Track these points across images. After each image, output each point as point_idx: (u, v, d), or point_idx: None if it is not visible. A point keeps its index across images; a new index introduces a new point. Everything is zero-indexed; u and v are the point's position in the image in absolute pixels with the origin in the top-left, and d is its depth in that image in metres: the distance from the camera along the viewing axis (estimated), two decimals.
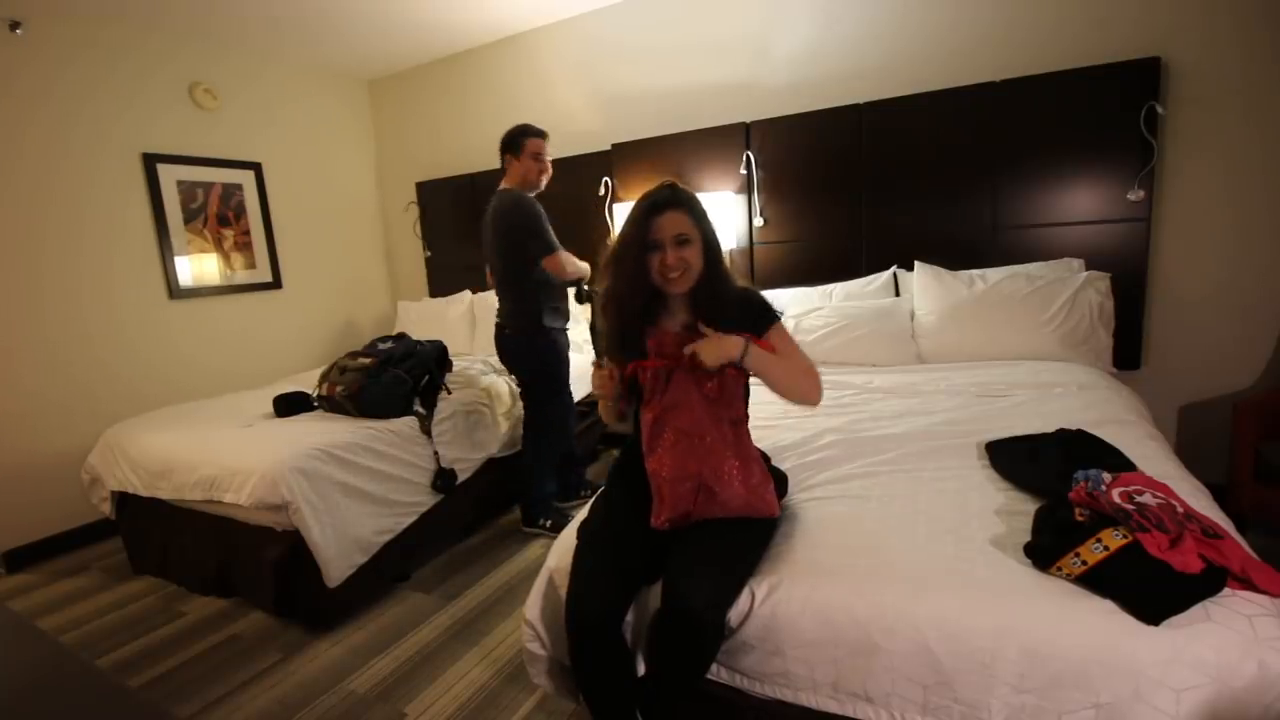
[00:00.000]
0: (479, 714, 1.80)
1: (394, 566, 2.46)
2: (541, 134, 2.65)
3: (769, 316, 1.44)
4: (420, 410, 2.59)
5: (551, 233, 2.59)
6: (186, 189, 3.60)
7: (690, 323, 1.43)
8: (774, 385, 1.37)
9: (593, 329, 3.23)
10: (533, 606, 1.46)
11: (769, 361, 1.35)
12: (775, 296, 3.05)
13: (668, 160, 3.41)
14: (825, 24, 3.12)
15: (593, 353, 3.84)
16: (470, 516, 2.89)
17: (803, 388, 1.39)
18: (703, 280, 1.41)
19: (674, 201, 1.38)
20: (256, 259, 3.94)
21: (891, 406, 2.16)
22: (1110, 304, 2.50)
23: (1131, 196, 2.53)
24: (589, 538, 1.40)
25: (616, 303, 1.44)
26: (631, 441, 1.56)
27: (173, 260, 3.54)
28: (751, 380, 1.45)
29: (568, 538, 1.48)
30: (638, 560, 1.34)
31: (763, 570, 1.28)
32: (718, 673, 1.30)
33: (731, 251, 3.38)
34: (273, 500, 2.12)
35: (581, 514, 1.54)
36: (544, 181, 2.67)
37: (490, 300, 3.93)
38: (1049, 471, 1.44)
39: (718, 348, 1.30)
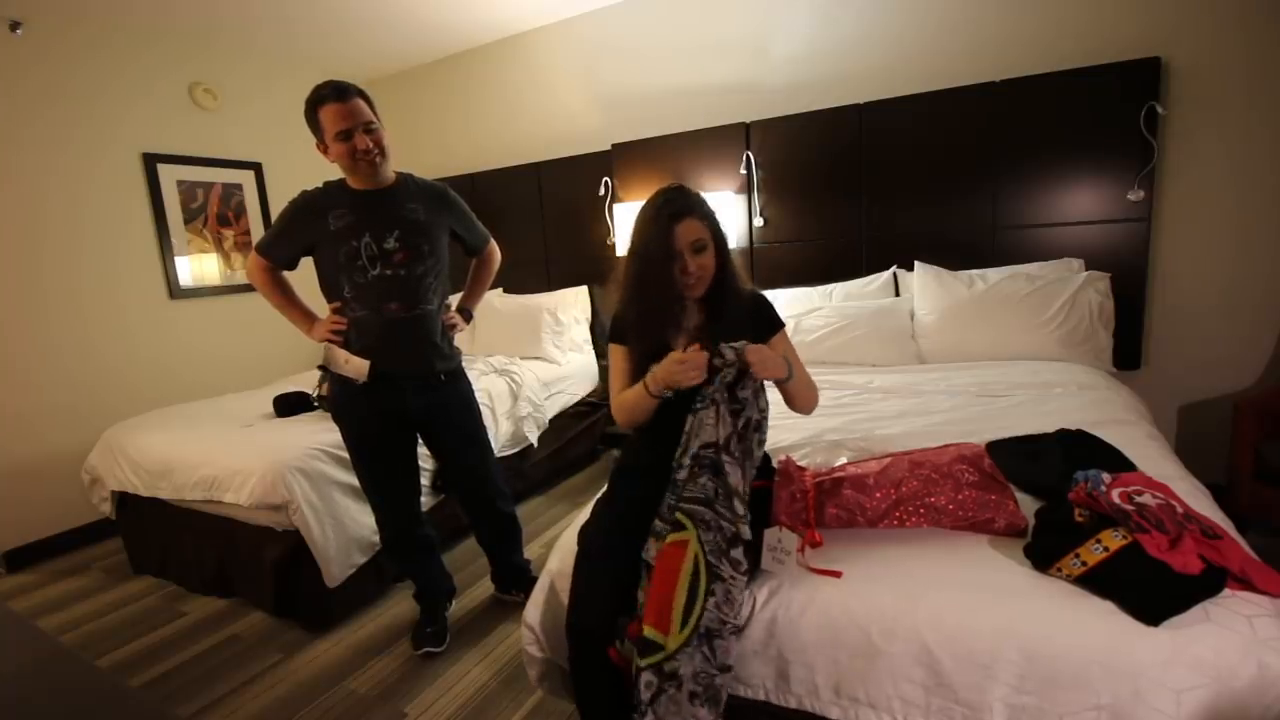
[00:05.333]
0: (479, 714, 1.80)
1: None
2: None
3: (776, 323, 1.51)
4: None
5: (274, 229, 1.93)
6: (187, 189, 3.60)
7: (703, 324, 1.46)
8: (791, 402, 1.45)
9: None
10: (532, 610, 1.45)
11: (798, 384, 1.41)
12: (775, 297, 3.07)
13: (668, 160, 3.41)
14: (825, 24, 3.12)
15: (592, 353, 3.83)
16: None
17: (811, 402, 1.48)
18: (716, 283, 1.44)
19: (688, 208, 1.38)
20: None
21: (891, 406, 2.16)
22: (1110, 304, 2.50)
23: (1131, 196, 2.53)
24: (590, 543, 1.38)
25: (649, 317, 1.43)
26: (633, 442, 1.55)
27: (173, 260, 3.55)
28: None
29: (570, 540, 1.47)
30: (640, 565, 1.33)
31: (763, 575, 1.28)
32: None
33: (732, 251, 3.38)
34: (273, 500, 2.12)
35: (582, 516, 1.52)
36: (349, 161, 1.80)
37: (491, 298, 3.94)
38: (1049, 472, 1.44)
39: (773, 361, 1.31)
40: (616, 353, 1.51)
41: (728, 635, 1.16)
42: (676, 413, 1.32)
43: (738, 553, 1.19)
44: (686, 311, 1.47)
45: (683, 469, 1.26)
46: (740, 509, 1.22)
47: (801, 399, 1.47)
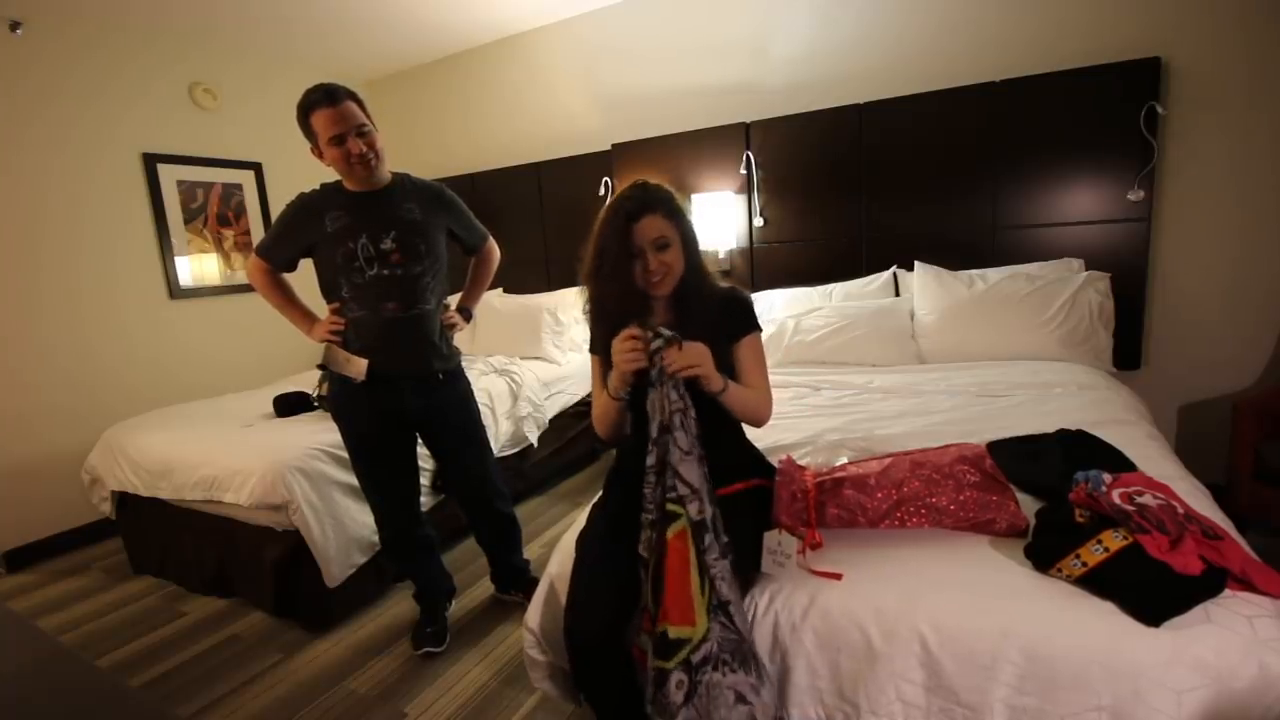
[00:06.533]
0: (479, 714, 1.80)
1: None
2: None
3: (750, 324, 1.44)
4: None
5: (273, 232, 1.96)
6: (187, 189, 3.60)
7: (671, 324, 1.41)
8: (731, 412, 1.39)
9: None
10: (533, 613, 1.45)
11: (736, 398, 1.34)
12: (775, 297, 3.08)
13: (668, 160, 3.41)
14: (825, 24, 3.12)
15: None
16: None
17: (755, 415, 1.41)
18: (684, 280, 1.40)
19: (648, 206, 1.35)
20: None
21: (892, 406, 2.16)
22: (1110, 304, 2.50)
23: (1131, 196, 2.53)
24: (587, 548, 1.37)
25: (606, 314, 1.41)
26: (630, 444, 1.55)
27: (173, 260, 3.55)
28: None
29: (570, 542, 1.46)
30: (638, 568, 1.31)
31: (764, 578, 1.28)
32: None
33: (732, 252, 3.38)
34: (273, 500, 2.12)
35: (580, 522, 1.51)
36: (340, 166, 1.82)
37: (491, 298, 3.94)
38: (1049, 472, 1.44)
39: (701, 363, 1.26)
40: (595, 364, 1.50)
41: (732, 606, 1.16)
42: None
43: (706, 533, 1.19)
44: (654, 312, 1.43)
45: (650, 454, 1.24)
46: (684, 489, 1.20)
47: (739, 415, 1.40)
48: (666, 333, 1.25)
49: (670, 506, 1.19)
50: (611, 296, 1.38)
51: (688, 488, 1.18)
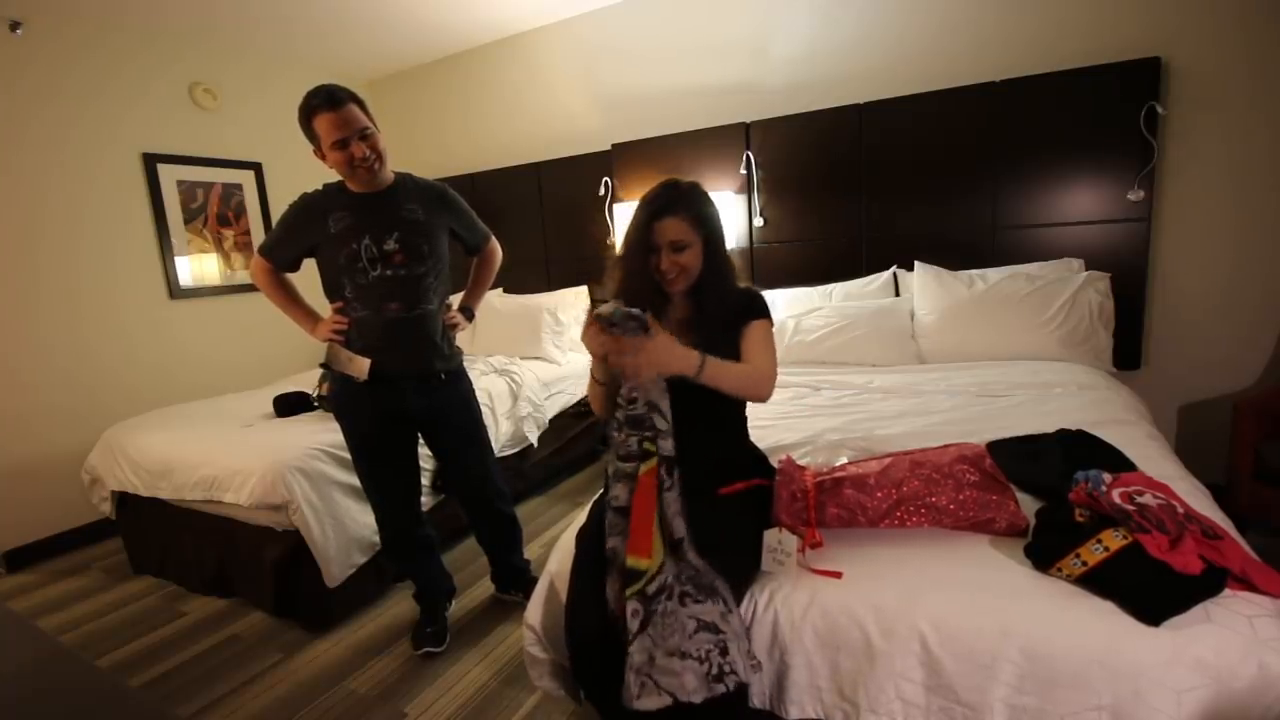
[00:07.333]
0: (479, 714, 1.80)
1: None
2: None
3: (756, 311, 1.46)
4: None
5: (276, 232, 1.96)
6: (187, 189, 3.60)
7: (687, 318, 1.47)
8: (722, 390, 1.37)
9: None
10: (533, 611, 1.45)
11: (722, 375, 1.32)
12: (775, 297, 3.07)
13: (668, 160, 3.41)
14: (825, 24, 3.12)
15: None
16: None
17: (753, 389, 1.39)
18: (702, 279, 1.44)
19: (671, 207, 1.39)
20: None
21: (892, 406, 2.16)
22: (1110, 304, 2.50)
23: (1131, 196, 2.53)
24: (587, 546, 1.38)
25: (628, 301, 1.43)
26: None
27: (173, 260, 3.55)
28: None
29: (570, 541, 1.47)
30: None
31: (764, 576, 1.28)
32: None
33: (732, 252, 3.38)
34: (273, 500, 2.12)
35: (580, 520, 1.52)
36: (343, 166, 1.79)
37: (492, 298, 3.94)
38: (1049, 472, 1.44)
39: (656, 359, 1.23)
40: None
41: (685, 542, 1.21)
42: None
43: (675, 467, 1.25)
44: (673, 305, 1.48)
45: (622, 408, 1.28)
46: (660, 424, 1.24)
47: (733, 391, 1.36)
48: (627, 312, 1.24)
49: (646, 445, 1.24)
50: (632, 288, 1.42)
51: (664, 422, 1.24)
